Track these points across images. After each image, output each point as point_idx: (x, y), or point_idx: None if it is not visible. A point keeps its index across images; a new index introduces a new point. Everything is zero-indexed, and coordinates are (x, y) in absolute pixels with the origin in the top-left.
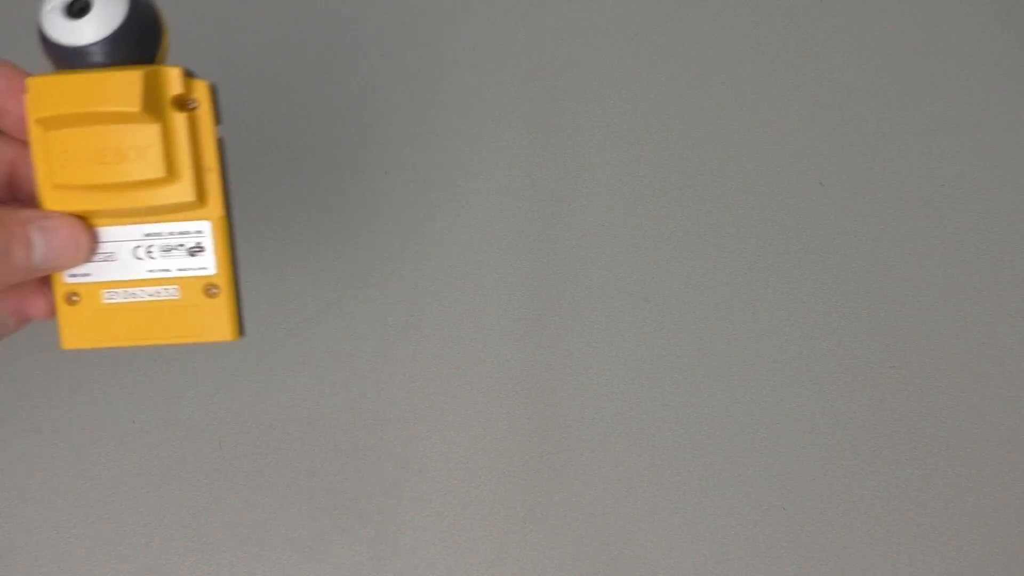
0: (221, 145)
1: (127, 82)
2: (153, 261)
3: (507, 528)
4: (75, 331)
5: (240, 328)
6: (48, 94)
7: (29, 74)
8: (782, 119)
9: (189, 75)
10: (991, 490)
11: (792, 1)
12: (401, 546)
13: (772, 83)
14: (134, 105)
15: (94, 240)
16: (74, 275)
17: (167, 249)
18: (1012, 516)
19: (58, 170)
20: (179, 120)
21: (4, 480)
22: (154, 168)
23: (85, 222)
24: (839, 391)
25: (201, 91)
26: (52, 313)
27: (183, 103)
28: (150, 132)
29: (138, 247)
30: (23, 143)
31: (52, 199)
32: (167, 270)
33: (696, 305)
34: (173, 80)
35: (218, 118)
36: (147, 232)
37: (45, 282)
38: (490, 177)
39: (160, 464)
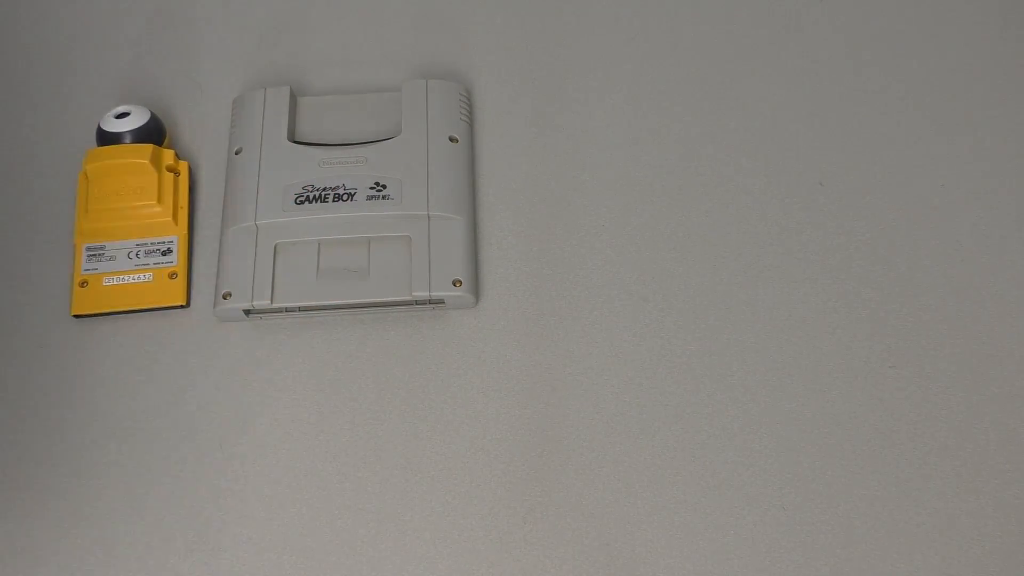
0: (191, 195)
1: (143, 148)
2: (139, 259)
3: (507, 528)
4: (82, 304)
5: (188, 300)
6: (101, 153)
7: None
8: (782, 119)
9: (178, 157)
10: (991, 490)
11: (792, 2)
12: (402, 546)
13: (772, 83)
14: (145, 158)
15: None
16: (86, 270)
17: (149, 252)
18: (1012, 516)
19: (91, 208)
20: (168, 177)
21: (5, 481)
22: (150, 198)
23: None
24: (839, 391)
25: (183, 166)
26: None
27: (173, 170)
28: (151, 176)
29: (131, 252)
30: None
31: (83, 233)
32: (147, 264)
33: (696, 305)
34: (168, 156)
35: (191, 184)
36: (138, 243)
37: None
38: (490, 177)
39: (160, 464)
